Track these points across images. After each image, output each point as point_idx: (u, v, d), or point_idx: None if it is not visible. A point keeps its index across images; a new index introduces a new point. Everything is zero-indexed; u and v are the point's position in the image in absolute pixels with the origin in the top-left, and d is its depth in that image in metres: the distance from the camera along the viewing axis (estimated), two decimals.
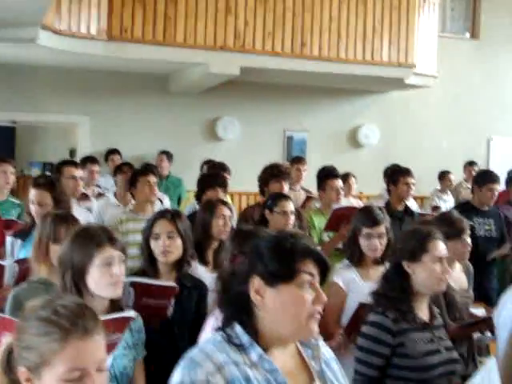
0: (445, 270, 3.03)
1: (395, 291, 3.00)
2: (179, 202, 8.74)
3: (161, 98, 10.24)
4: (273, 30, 8.80)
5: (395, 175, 6.00)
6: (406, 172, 6.00)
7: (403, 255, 3.05)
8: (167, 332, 3.24)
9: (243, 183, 8.71)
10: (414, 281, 3.01)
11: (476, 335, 3.87)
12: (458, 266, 4.10)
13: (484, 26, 11.97)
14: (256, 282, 1.80)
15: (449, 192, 9.69)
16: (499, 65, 12.01)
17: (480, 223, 5.77)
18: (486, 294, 5.06)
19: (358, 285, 3.83)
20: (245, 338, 1.78)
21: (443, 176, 9.83)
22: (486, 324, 3.56)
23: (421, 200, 10.18)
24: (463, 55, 11.81)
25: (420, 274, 3.00)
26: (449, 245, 3.83)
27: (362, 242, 3.94)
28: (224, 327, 1.81)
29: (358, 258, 3.96)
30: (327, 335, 3.77)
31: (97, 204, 6.25)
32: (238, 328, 1.80)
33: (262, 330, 1.80)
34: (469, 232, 4.07)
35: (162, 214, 3.52)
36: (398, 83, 9.97)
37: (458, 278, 4.07)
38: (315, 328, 1.80)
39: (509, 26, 12.04)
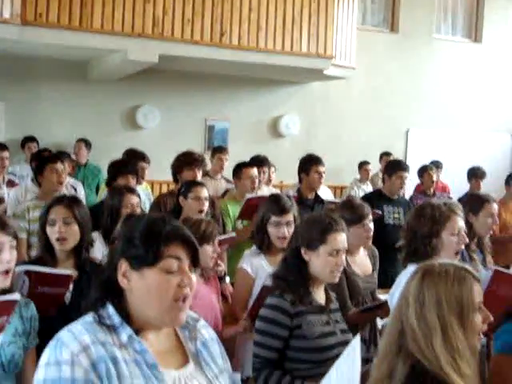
0: (340, 262, 3.07)
1: (293, 275, 3.04)
2: (98, 190, 8.62)
3: (80, 84, 10.05)
4: (192, 18, 8.74)
5: (306, 164, 6.07)
6: (316, 161, 6.07)
7: (302, 242, 3.08)
8: (65, 318, 3.18)
9: (163, 172, 8.63)
10: (311, 267, 3.05)
11: (382, 322, 3.96)
12: (362, 251, 4.18)
13: (402, 20, 12.20)
14: (123, 266, 1.79)
15: (368, 182, 9.91)
16: (417, 58, 12.28)
17: (389, 211, 5.91)
18: (393, 281, 5.18)
19: (265, 271, 3.85)
20: (116, 318, 1.77)
21: (362, 166, 10.07)
22: (385, 309, 3.63)
23: (340, 189, 10.38)
24: (382, 48, 12.01)
25: (315, 262, 3.04)
26: (351, 230, 3.93)
27: (271, 229, 3.99)
28: (97, 308, 1.79)
29: (266, 246, 4.01)
30: (235, 320, 3.82)
31: (14, 191, 6.10)
32: (110, 309, 1.79)
33: (132, 313, 1.79)
34: (370, 217, 4.15)
35: (58, 200, 3.43)
36: (318, 74, 10.08)
37: (362, 263, 4.15)
38: (182, 313, 1.79)
39: (426, 21, 12.34)
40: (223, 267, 4.30)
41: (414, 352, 1.95)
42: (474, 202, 4.47)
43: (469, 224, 4.31)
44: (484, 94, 12.80)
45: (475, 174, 8.06)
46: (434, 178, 8.13)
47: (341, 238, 3.09)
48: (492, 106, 12.87)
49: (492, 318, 2.02)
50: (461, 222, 3.41)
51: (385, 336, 2.06)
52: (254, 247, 4.10)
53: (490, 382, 2.28)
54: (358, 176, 10.16)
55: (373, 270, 4.24)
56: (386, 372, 1.99)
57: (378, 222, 5.60)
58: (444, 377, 1.90)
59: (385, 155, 10.02)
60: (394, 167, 6.11)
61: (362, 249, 4.19)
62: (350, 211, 4.06)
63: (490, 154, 12.46)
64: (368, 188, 9.76)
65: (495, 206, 4.45)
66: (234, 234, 4.73)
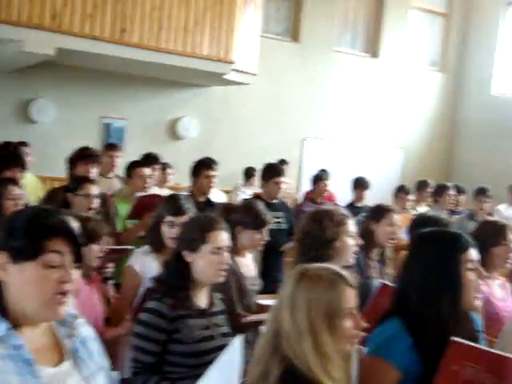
0: (224, 260, 3.07)
1: (174, 278, 3.01)
2: None
3: None
4: (93, 13, 8.56)
5: (197, 168, 6.09)
6: (207, 165, 6.08)
7: (184, 244, 3.06)
8: None
9: (57, 169, 8.40)
10: (194, 270, 3.03)
11: None
12: (248, 254, 4.20)
13: (304, 31, 12.42)
14: (2, 258, 1.73)
15: (254, 187, 10.04)
16: (317, 69, 12.53)
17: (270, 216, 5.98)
18: (275, 284, 5.24)
19: (155, 271, 3.80)
20: None
21: (249, 172, 10.21)
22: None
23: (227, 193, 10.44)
24: (284, 57, 12.19)
25: (199, 263, 3.02)
26: (248, 234, 3.95)
27: (164, 229, 3.94)
28: None
29: (158, 245, 3.96)
30: (121, 319, 3.74)
31: None
32: None
33: (9, 307, 1.73)
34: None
35: None
36: (218, 78, 10.09)
37: (248, 265, 4.17)
38: (61, 307, 1.75)
39: (327, 33, 12.61)
40: (111, 270, 4.21)
41: (287, 353, 1.98)
42: (376, 211, 4.59)
43: (370, 232, 4.45)
44: (380, 109, 13.21)
45: (360, 184, 8.27)
46: (327, 187, 8.34)
47: (222, 237, 3.08)
48: (386, 121, 13.30)
49: (365, 325, 2.07)
50: (353, 226, 3.49)
51: (262, 336, 2.08)
52: (146, 246, 4.04)
53: (362, 382, 2.33)
54: (241, 181, 10.32)
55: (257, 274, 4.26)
56: (261, 372, 2.00)
57: None
58: (314, 378, 1.93)
59: (280, 163, 10.12)
60: (269, 172, 6.18)
61: (247, 252, 4.21)
62: (253, 216, 4.08)
63: (383, 167, 12.87)
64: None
65: (396, 217, 4.58)
66: (129, 247, 4.62)
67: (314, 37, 12.45)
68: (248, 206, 4.29)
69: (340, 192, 9.79)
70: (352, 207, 7.89)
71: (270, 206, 6.03)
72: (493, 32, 13.50)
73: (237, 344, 1.98)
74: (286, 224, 6.06)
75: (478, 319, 2.71)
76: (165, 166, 8.18)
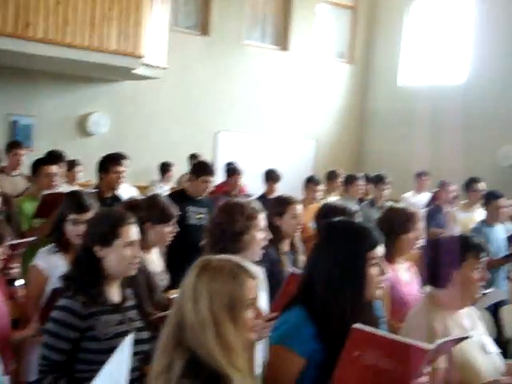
0: (136, 253, 3.06)
1: (86, 275, 2.97)
2: None
3: None
4: None
5: (105, 163, 6.01)
6: (115, 160, 6.02)
7: (94, 239, 3.02)
8: None
9: None
10: (105, 264, 3.00)
11: None
12: (154, 250, 4.18)
13: (214, 25, 12.42)
14: None
15: (170, 183, 9.99)
16: (228, 63, 12.56)
17: (193, 211, 5.97)
18: None
19: (62, 270, 3.73)
20: None
21: (164, 167, 10.15)
22: None
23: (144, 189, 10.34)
24: (194, 51, 12.16)
25: (111, 258, 3.00)
26: (155, 229, 3.94)
27: (69, 227, 3.88)
28: None
29: (64, 244, 3.89)
30: (27, 319, 3.65)
31: None
32: None
33: None
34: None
35: None
36: (128, 73, 9.97)
37: (154, 261, 4.16)
38: None
39: (237, 26, 12.65)
40: (17, 270, 4.10)
41: (191, 345, 1.99)
42: (277, 205, 4.60)
43: (276, 227, 4.46)
44: (291, 102, 13.37)
45: (271, 177, 8.37)
46: (240, 182, 8.45)
47: (133, 230, 3.07)
48: (297, 113, 13.47)
49: (264, 315, 2.10)
50: (264, 220, 3.51)
51: (165, 329, 2.08)
52: (51, 245, 3.96)
53: (266, 372, 2.37)
54: (158, 177, 10.25)
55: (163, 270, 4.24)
56: (165, 364, 2.01)
57: (181, 221, 5.68)
58: (218, 368, 1.95)
59: (192, 157, 10.11)
60: (201, 170, 6.16)
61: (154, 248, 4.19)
62: (158, 211, 4.06)
63: (296, 158, 13.03)
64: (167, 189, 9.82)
65: (298, 207, 4.61)
66: (31, 238, 4.52)
67: (224, 30, 12.46)
68: (151, 201, 4.26)
69: (254, 185, 9.89)
70: (264, 199, 7.97)
71: (195, 202, 6.04)
72: (398, 25, 13.88)
73: (127, 343, 1.97)
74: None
75: (380, 306, 2.79)
76: (74, 164, 8.04)
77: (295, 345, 2.35)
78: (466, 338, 2.66)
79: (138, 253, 3.09)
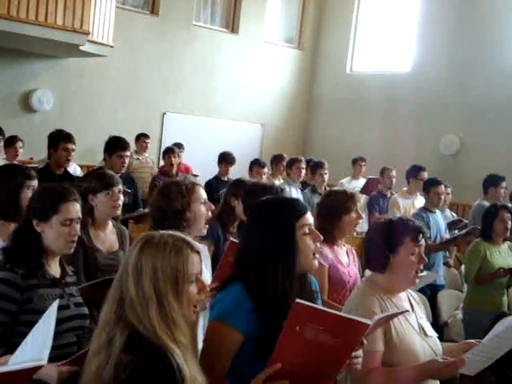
0: (74, 232, 3.01)
1: (25, 248, 2.94)
2: None
3: None
4: None
5: (54, 140, 5.95)
6: (65, 137, 5.97)
7: (34, 213, 2.99)
8: None
9: None
10: (44, 239, 2.97)
11: None
12: (110, 228, 4.11)
13: (163, 4, 12.28)
14: None
15: None
16: (176, 43, 12.46)
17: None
18: None
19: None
20: None
21: None
22: None
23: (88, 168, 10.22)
24: (142, 30, 12.01)
25: (48, 234, 2.96)
26: (100, 197, 3.90)
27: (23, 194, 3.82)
28: None
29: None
30: None
31: None
32: None
33: None
34: (120, 188, 4.10)
35: None
36: (74, 49, 9.81)
37: (108, 239, 4.07)
38: None
39: (187, 7, 12.55)
40: None
41: (132, 320, 1.99)
42: (236, 187, 4.64)
43: (231, 207, 4.54)
44: (239, 85, 13.34)
45: (225, 159, 8.40)
46: (174, 161, 8.62)
47: (74, 208, 3.03)
48: (245, 96, 13.46)
49: (208, 288, 2.12)
50: (204, 192, 3.51)
51: (105, 305, 2.07)
52: None
53: (203, 347, 2.39)
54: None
55: (121, 249, 4.18)
56: (105, 340, 2.00)
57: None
58: (159, 343, 1.95)
59: (142, 136, 10.01)
60: (113, 146, 6.11)
61: (110, 225, 4.13)
62: (97, 179, 4.02)
63: (242, 142, 13.02)
64: None
65: None
66: None
67: (173, 11, 12.34)
68: (90, 172, 4.24)
69: (201, 166, 9.90)
70: (217, 181, 8.04)
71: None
72: (348, 12, 13.99)
73: (53, 310, 1.97)
74: (129, 198, 6.06)
75: (315, 282, 2.84)
76: (13, 139, 7.92)
77: (232, 320, 2.36)
78: (404, 312, 2.73)
79: (77, 231, 3.04)
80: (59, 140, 5.91)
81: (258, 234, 2.50)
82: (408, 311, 2.88)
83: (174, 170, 8.66)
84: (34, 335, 2.10)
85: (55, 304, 1.93)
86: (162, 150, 10.14)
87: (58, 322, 2.85)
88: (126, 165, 6.19)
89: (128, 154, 6.23)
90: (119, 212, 4.16)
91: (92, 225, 3.96)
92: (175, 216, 3.32)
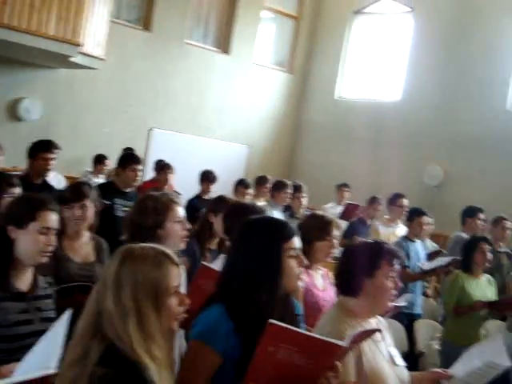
0: (49, 241, 2.96)
1: None
2: None
3: None
4: None
5: (34, 149, 5.92)
6: (44, 147, 5.93)
7: (11, 219, 2.93)
8: None
9: None
10: (17, 248, 2.91)
11: None
12: (86, 239, 4.05)
13: (157, 21, 12.31)
14: None
15: (103, 175, 9.85)
16: (168, 60, 12.48)
17: (121, 204, 5.92)
18: None
19: None
20: None
21: (99, 159, 10.00)
22: None
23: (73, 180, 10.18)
24: (134, 45, 12.04)
25: (23, 241, 2.91)
26: (69, 209, 3.84)
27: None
28: None
29: None
30: None
31: None
32: None
33: None
34: (94, 199, 4.06)
35: None
36: (64, 60, 9.78)
37: (83, 250, 4.00)
38: None
39: (180, 25, 12.59)
40: None
41: (109, 334, 1.96)
42: (215, 204, 4.63)
43: (209, 223, 4.52)
44: (227, 105, 13.38)
45: (207, 178, 8.40)
46: (170, 178, 8.50)
47: (52, 217, 2.99)
48: (233, 117, 13.48)
49: (188, 301, 2.10)
50: (182, 211, 3.49)
51: (82, 318, 2.04)
52: None
53: (181, 366, 2.37)
54: (90, 168, 10.11)
55: (97, 261, 4.11)
56: (80, 353, 1.97)
57: (108, 213, 5.62)
58: (135, 358, 1.93)
59: (126, 150, 9.97)
60: (127, 160, 6.18)
61: (85, 236, 4.08)
62: (68, 190, 3.99)
63: (228, 162, 12.99)
64: (100, 181, 9.69)
65: None
66: None
67: (166, 27, 12.38)
68: (74, 185, 4.20)
69: (184, 185, 9.85)
70: (198, 200, 8.01)
71: (123, 195, 5.98)
72: (339, 39, 14.11)
73: (64, 318, 1.94)
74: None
75: (298, 304, 2.82)
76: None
77: (211, 341, 2.34)
78: (376, 331, 2.70)
79: (52, 242, 2.99)
80: (37, 150, 5.88)
81: (245, 253, 2.49)
82: (381, 330, 2.86)
83: (167, 186, 8.54)
84: (42, 344, 2.07)
85: (67, 313, 1.89)
86: (147, 165, 10.11)
87: (20, 337, 2.81)
88: (138, 178, 6.22)
89: (141, 167, 6.23)
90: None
91: (65, 235, 3.87)
92: (147, 231, 3.30)
